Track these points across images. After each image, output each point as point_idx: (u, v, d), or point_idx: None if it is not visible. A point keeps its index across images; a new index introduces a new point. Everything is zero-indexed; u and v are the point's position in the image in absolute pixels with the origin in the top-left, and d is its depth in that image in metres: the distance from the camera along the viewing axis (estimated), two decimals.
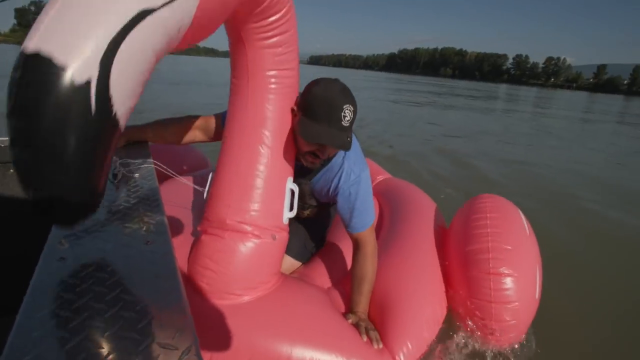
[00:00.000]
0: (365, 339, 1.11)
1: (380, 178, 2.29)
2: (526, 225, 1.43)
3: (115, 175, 0.91)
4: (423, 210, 1.74)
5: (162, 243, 0.63)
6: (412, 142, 5.89)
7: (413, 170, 4.17)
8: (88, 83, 0.45)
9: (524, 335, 1.35)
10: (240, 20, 0.93)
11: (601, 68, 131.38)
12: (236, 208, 1.06)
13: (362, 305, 1.22)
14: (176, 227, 1.35)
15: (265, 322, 1.03)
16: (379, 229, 1.78)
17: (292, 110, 1.13)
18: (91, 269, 0.54)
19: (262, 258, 1.08)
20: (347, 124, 1.04)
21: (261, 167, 1.07)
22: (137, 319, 0.45)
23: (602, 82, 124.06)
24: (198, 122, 1.33)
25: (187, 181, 1.51)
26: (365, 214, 1.24)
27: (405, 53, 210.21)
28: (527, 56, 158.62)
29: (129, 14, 0.49)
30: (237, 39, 1.00)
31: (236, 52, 1.04)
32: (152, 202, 0.79)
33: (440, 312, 1.32)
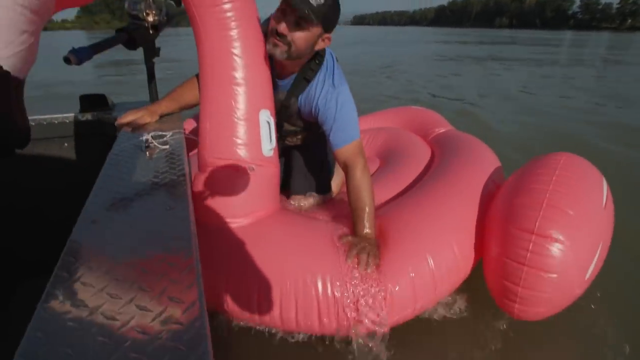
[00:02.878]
0: (349, 261, 1.08)
1: (441, 130, 2.09)
2: (605, 197, 1.16)
3: (147, 147, 0.99)
4: (479, 162, 1.53)
5: (182, 209, 0.69)
6: None
7: None
8: None
9: (554, 314, 1.15)
10: None
11: None
12: (212, 146, 1.15)
13: (366, 229, 1.18)
14: None
15: (259, 241, 1.12)
16: (424, 173, 1.64)
17: None
18: (117, 230, 0.62)
19: (242, 188, 1.16)
20: (314, 4, 1.04)
21: (233, 104, 1.12)
22: (153, 275, 0.52)
23: None
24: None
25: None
26: (348, 125, 1.24)
27: (455, 4, 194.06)
28: None
29: None
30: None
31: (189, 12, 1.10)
32: (178, 171, 0.86)
33: (462, 260, 1.19)
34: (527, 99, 5.42)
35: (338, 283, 1.05)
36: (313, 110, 1.28)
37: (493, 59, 9.15)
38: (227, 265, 1.10)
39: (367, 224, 1.18)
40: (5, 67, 0.58)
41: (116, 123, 1.25)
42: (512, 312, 1.14)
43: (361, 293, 1.05)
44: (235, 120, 1.13)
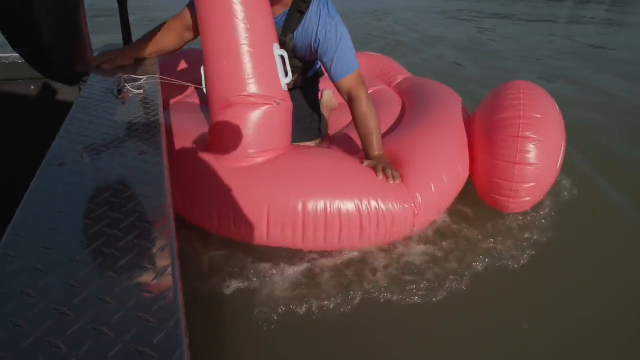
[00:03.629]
0: (381, 176, 1.20)
1: (401, 78, 2.25)
2: (556, 105, 1.46)
3: (120, 91, 0.95)
4: (447, 100, 1.73)
5: (155, 154, 0.67)
6: None
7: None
8: None
9: (536, 202, 1.43)
10: None
11: None
12: (234, 85, 1.13)
13: (377, 151, 1.29)
14: (192, 123, 1.44)
15: (279, 178, 1.17)
16: (400, 119, 1.79)
17: None
18: (86, 174, 0.60)
19: (270, 122, 1.17)
20: None
21: (243, 42, 1.11)
22: (122, 220, 0.50)
23: None
24: (178, 24, 1.31)
25: (190, 84, 1.58)
26: (349, 55, 1.27)
27: None
28: None
29: None
30: None
31: None
32: (152, 116, 0.83)
33: (462, 172, 1.40)
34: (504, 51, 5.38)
35: (375, 198, 1.18)
36: (313, 42, 1.27)
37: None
38: (266, 198, 1.14)
39: (377, 146, 1.29)
40: None
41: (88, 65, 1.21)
42: (507, 206, 1.39)
43: (396, 204, 1.20)
44: (254, 55, 1.11)
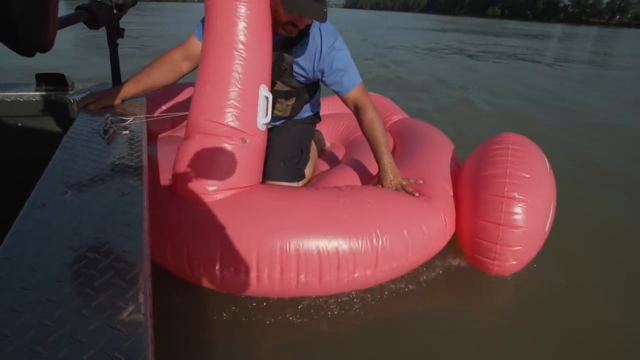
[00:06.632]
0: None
1: (396, 118, 2.20)
2: (547, 163, 1.36)
3: (106, 132, 0.96)
4: (438, 147, 1.66)
5: (136, 195, 0.69)
6: None
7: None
8: None
9: (523, 266, 1.32)
10: None
11: None
12: (209, 108, 1.12)
13: (384, 159, 1.35)
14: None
15: (236, 215, 1.10)
16: None
17: None
18: (67, 214, 0.61)
19: (232, 159, 1.13)
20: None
21: (234, 74, 1.11)
22: (100, 260, 0.52)
23: None
24: (178, 54, 1.34)
25: (174, 114, 1.55)
26: (353, 70, 1.35)
27: None
28: None
29: None
30: None
31: None
32: (136, 157, 0.85)
33: (449, 228, 1.31)
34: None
35: (336, 237, 1.11)
36: (316, 60, 1.30)
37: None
38: (219, 239, 1.08)
39: (389, 157, 1.34)
40: None
41: (75, 104, 1.19)
42: (491, 269, 1.29)
43: (382, 243, 1.14)
44: (237, 88, 1.12)
